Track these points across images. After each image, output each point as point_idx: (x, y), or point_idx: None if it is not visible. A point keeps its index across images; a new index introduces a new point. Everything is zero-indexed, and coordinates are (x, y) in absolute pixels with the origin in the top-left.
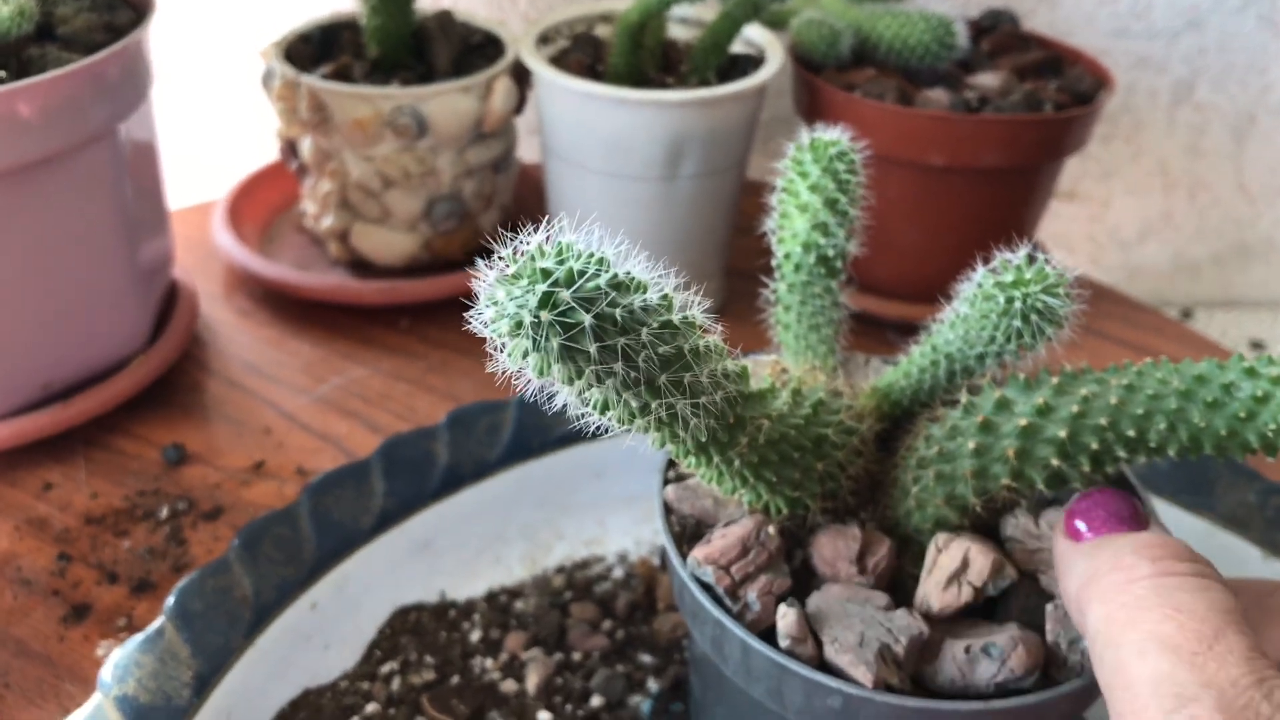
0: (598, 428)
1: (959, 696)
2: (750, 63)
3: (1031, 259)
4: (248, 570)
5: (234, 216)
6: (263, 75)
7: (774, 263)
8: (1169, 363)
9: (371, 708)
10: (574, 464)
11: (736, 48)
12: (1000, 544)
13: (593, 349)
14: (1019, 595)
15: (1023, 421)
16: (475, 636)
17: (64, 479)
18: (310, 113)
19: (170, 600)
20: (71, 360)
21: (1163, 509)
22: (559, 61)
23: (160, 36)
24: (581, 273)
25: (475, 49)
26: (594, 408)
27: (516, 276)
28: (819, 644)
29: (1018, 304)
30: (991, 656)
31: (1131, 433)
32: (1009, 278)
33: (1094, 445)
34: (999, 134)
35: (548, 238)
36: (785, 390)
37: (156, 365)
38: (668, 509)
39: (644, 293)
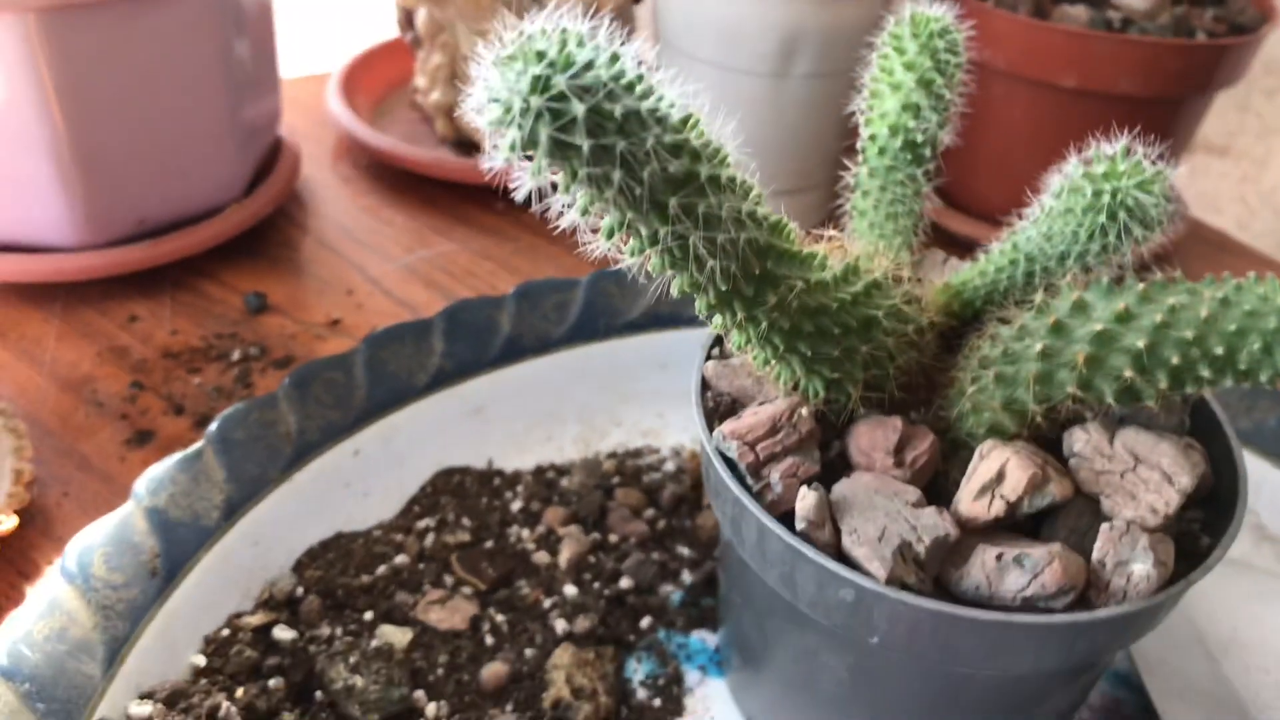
0: (675, 307)
1: (983, 606)
2: None
3: (1129, 151)
4: (294, 408)
5: (349, 87)
6: None
7: (859, 145)
8: (1276, 279)
9: (401, 559)
10: (639, 352)
11: None
12: (1063, 460)
13: (585, 145)
14: (1071, 515)
15: (1098, 327)
16: (516, 506)
17: (149, 314)
18: None
19: (213, 426)
20: (167, 200)
21: (1266, 471)
22: None
23: None
24: (587, 62)
25: None
26: (604, 233)
27: (511, 59)
28: (838, 533)
29: (1106, 198)
30: (1023, 568)
31: (1220, 350)
32: (1100, 169)
33: (1175, 360)
34: (1138, 57)
35: (558, 20)
36: (839, 264)
37: (249, 215)
38: (705, 385)
39: (653, 98)
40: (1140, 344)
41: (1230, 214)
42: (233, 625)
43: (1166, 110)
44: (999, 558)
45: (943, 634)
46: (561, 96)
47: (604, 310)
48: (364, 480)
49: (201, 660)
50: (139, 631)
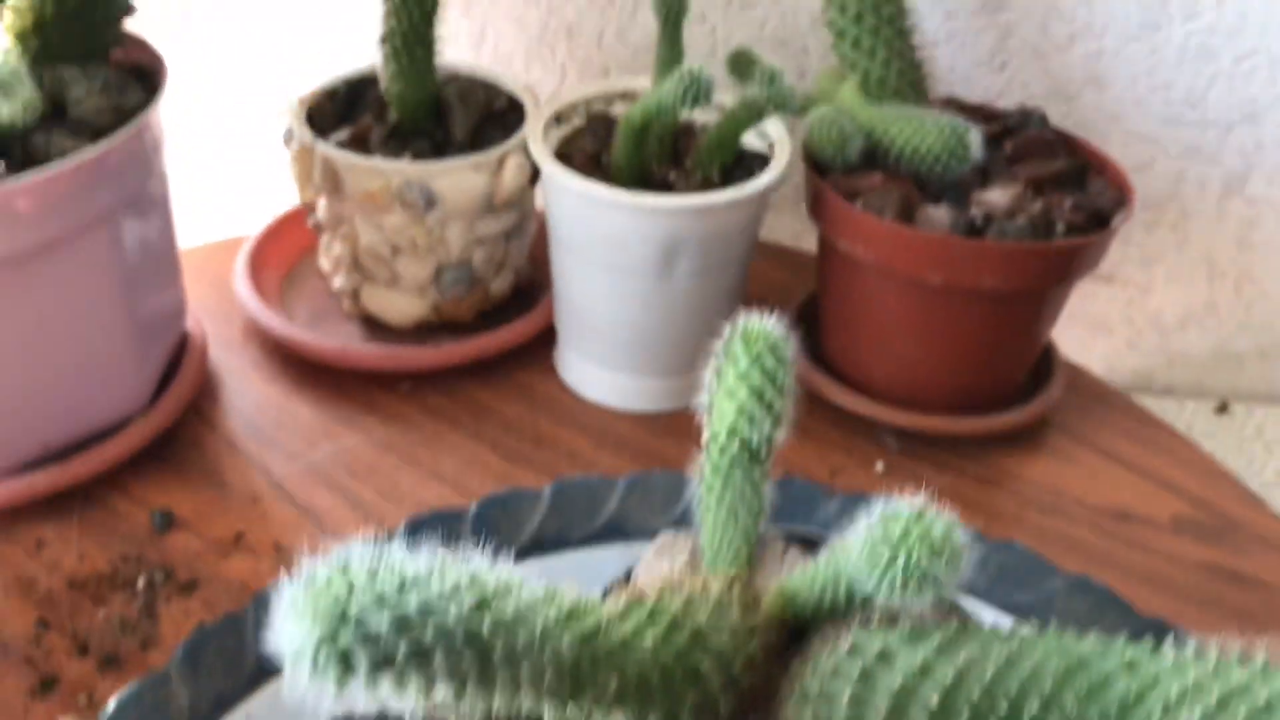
0: None
1: None
2: (759, 161)
3: (921, 514)
4: (186, 682)
5: (257, 260)
6: (284, 133)
7: (703, 440)
8: (1055, 634)
9: None
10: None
11: (751, 140)
12: None
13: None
14: None
15: (899, 681)
16: None
17: (56, 537)
18: (323, 179)
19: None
20: (70, 422)
21: None
22: (570, 142)
23: (203, 73)
24: (372, 603)
25: (497, 116)
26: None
27: (302, 612)
28: None
29: (900, 561)
30: None
31: (1005, 709)
32: (896, 529)
33: (965, 717)
34: (997, 259)
35: (346, 562)
36: (657, 626)
37: (155, 427)
38: None
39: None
40: (935, 701)
41: (1120, 334)
42: None
43: (1030, 300)
44: None
45: None
46: (345, 653)
47: (495, 530)
48: None
49: None
50: None
